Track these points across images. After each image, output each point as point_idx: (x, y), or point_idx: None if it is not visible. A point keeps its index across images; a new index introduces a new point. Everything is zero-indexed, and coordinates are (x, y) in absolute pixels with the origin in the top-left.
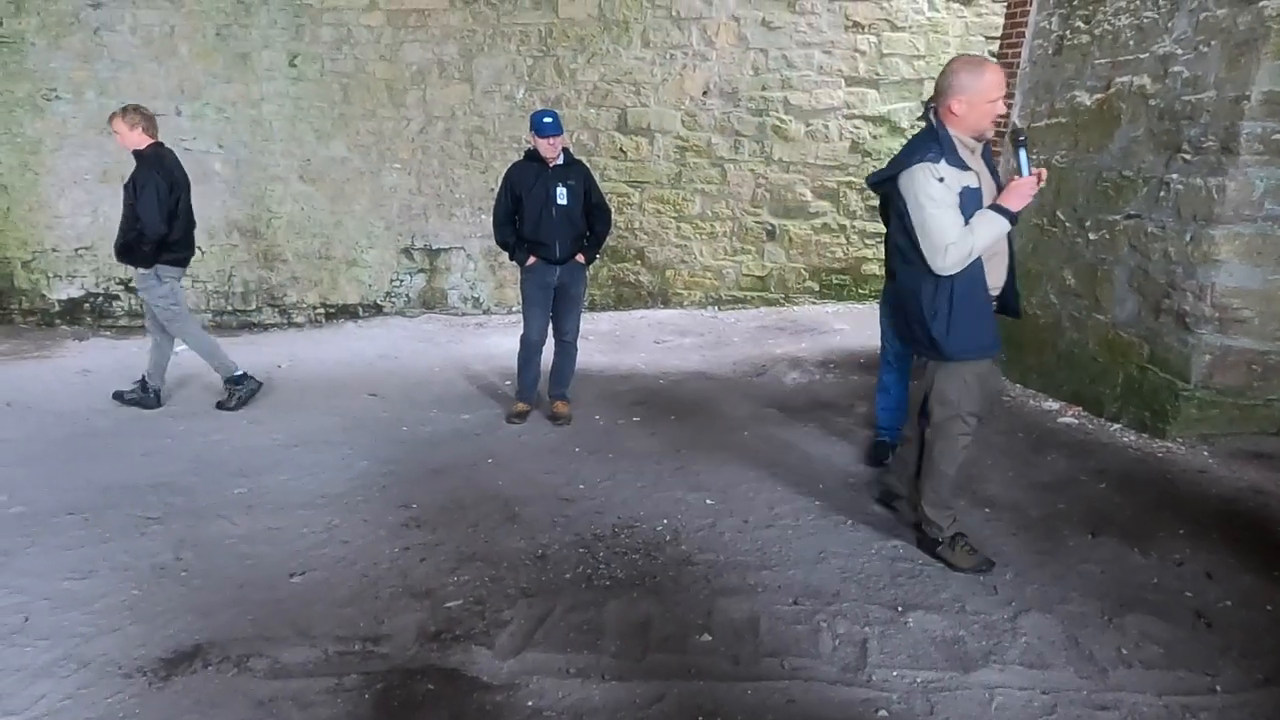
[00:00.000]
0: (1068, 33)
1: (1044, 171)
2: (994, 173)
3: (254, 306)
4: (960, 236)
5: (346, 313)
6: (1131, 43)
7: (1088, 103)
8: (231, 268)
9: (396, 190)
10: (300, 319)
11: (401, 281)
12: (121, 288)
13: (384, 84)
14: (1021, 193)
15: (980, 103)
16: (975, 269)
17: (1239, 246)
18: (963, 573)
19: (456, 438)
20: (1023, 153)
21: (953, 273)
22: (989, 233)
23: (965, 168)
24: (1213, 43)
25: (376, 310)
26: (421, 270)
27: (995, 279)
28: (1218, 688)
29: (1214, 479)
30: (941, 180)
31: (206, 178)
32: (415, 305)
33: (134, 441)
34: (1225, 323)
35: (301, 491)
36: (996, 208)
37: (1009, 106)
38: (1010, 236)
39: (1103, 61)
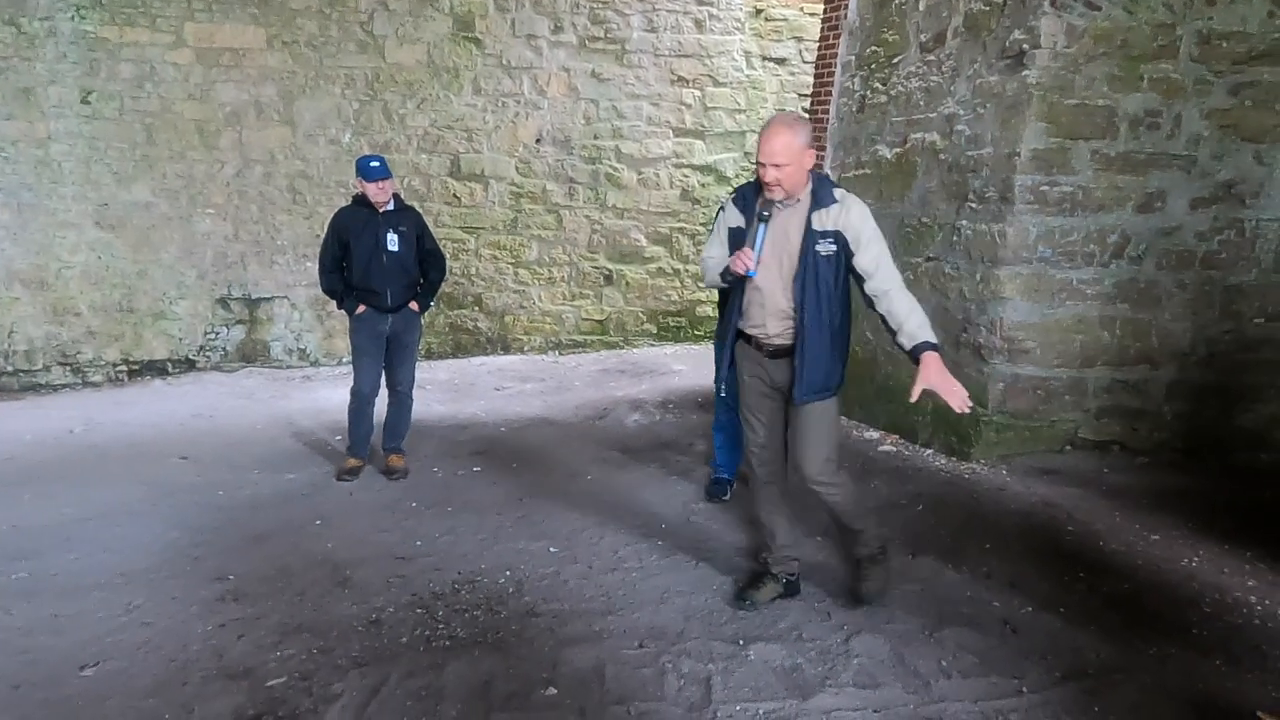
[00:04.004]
0: (869, 93)
1: (751, 261)
2: (811, 232)
3: (40, 366)
4: (704, 260)
5: (154, 369)
6: (922, 103)
7: (889, 156)
8: (13, 323)
9: (210, 237)
10: (98, 378)
11: (218, 334)
12: None
13: (194, 125)
14: (735, 259)
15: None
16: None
17: (1020, 285)
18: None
19: (280, 500)
20: (761, 228)
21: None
22: (714, 273)
23: (746, 210)
24: (988, 105)
25: (189, 365)
26: (240, 321)
27: (752, 320)
28: (1024, 689)
29: (1012, 495)
30: (720, 212)
31: None
32: (234, 359)
33: None
34: (1013, 353)
35: (96, 571)
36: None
37: (821, 159)
38: (805, 321)
39: (899, 119)
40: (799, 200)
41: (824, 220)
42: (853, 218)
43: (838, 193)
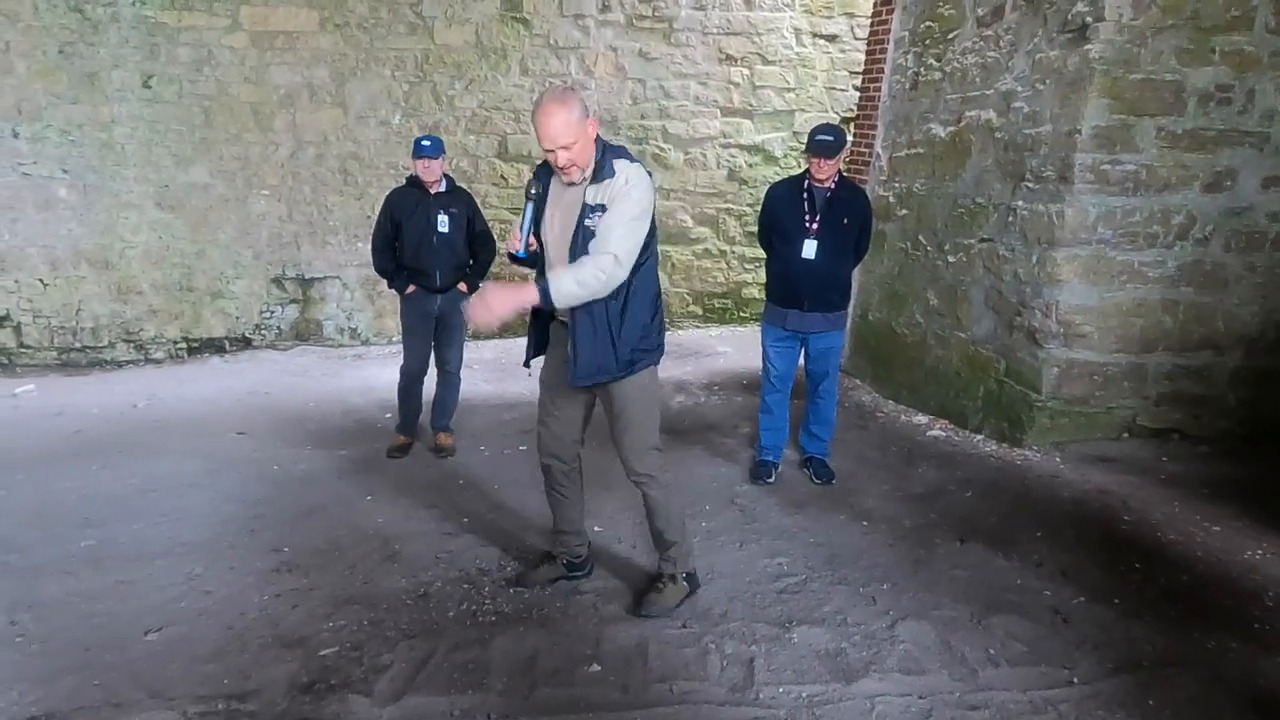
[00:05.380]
0: (922, 70)
1: (528, 243)
2: (584, 205)
3: (106, 342)
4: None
5: (212, 347)
6: (978, 80)
7: (942, 135)
8: (79, 301)
9: (265, 218)
10: (159, 354)
11: (272, 313)
12: None
13: (249, 107)
14: (508, 240)
15: None
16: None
17: (1078, 267)
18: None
19: (333, 475)
20: (529, 208)
21: None
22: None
23: (543, 184)
24: (1047, 81)
25: (245, 343)
26: (294, 301)
27: None
28: (1075, 680)
29: (1065, 483)
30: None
31: (49, 204)
32: (288, 337)
33: None
34: (1069, 338)
35: (158, 540)
36: None
37: (871, 137)
38: (545, 290)
39: (954, 97)
40: (586, 174)
41: (597, 194)
42: (616, 186)
43: (619, 164)
